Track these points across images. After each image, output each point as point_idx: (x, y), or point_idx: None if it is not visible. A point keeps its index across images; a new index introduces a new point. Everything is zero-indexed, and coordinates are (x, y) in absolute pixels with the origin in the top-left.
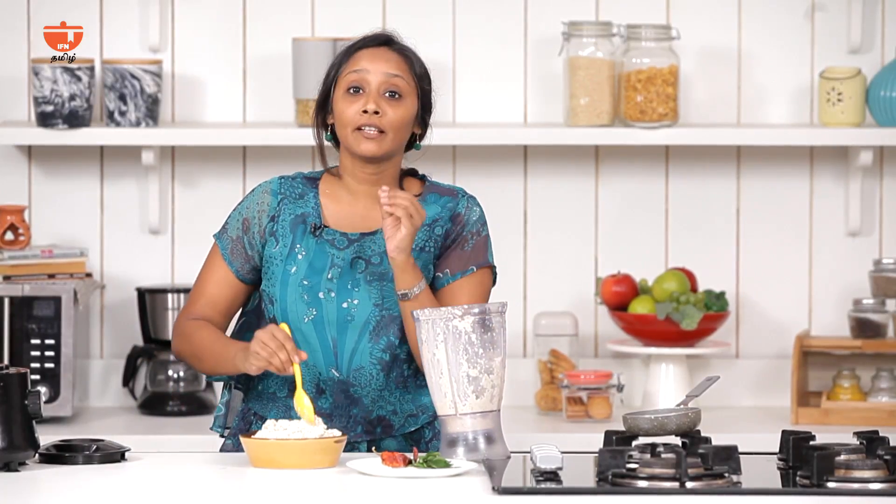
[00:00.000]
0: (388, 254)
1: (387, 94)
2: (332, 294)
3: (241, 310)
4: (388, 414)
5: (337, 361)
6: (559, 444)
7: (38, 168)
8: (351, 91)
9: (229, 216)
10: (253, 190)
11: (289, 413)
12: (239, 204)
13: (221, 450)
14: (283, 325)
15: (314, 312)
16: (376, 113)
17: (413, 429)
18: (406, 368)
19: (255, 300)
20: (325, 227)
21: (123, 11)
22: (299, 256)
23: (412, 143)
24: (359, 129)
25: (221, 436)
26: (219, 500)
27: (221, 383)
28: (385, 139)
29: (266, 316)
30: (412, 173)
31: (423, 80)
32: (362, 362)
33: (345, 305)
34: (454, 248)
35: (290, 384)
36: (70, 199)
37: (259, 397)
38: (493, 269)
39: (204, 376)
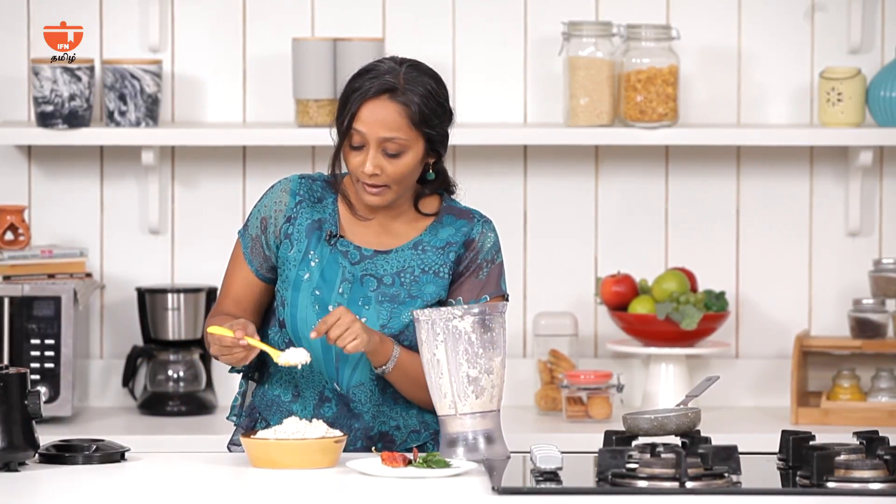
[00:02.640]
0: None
1: (384, 153)
2: None
3: None
4: (390, 430)
5: (338, 375)
6: (559, 444)
7: (38, 168)
8: (354, 146)
9: (250, 213)
10: (272, 187)
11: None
12: (259, 201)
13: (231, 440)
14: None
15: None
16: (376, 174)
17: (415, 445)
18: None
19: None
20: (341, 236)
21: (123, 11)
22: (312, 263)
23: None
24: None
25: (237, 424)
26: (219, 500)
27: (239, 374)
28: (388, 192)
29: (277, 317)
30: (436, 186)
31: (426, 125)
32: (363, 378)
33: None
34: (468, 276)
35: (293, 388)
36: (70, 199)
37: (263, 398)
38: (505, 296)
39: (204, 376)
